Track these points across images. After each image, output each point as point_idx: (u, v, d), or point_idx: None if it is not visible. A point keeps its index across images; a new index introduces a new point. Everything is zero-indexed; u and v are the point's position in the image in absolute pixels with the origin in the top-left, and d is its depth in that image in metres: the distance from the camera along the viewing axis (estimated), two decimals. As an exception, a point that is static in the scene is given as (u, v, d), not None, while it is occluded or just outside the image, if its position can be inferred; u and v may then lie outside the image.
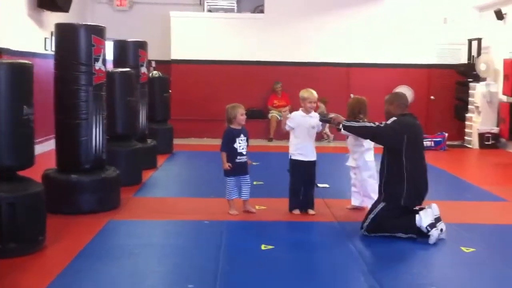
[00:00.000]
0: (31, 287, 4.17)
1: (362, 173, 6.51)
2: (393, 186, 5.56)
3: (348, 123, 5.83)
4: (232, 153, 6.21)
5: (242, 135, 6.25)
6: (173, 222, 6.09)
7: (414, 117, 5.81)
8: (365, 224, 5.60)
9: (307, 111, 6.38)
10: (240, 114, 6.21)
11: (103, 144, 6.39)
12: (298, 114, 6.42)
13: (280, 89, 13.61)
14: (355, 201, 6.64)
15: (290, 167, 6.43)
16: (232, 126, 6.25)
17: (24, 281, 4.30)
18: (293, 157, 6.40)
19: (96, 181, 6.24)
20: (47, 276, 4.35)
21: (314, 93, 6.40)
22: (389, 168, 5.61)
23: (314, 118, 6.35)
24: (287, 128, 6.42)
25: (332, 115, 6.07)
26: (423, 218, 5.41)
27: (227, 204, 6.35)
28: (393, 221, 5.51)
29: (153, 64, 13.28)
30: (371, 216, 5.59)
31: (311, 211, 6.40)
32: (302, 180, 6.39)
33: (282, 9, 13.79)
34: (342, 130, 5.87)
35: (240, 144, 6.22)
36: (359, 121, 5.97)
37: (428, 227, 5.38)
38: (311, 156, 6.39)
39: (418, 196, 5.61)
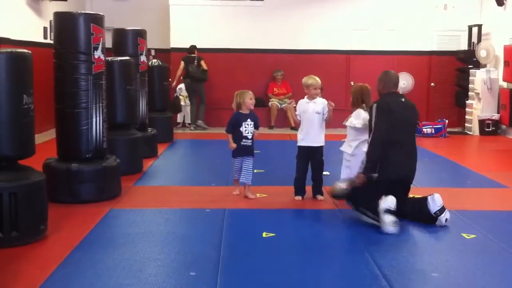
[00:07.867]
0: (33, 276, 4.17)
1: (358, 161, 6.47)
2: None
3: (363, 167, 5.65)
4: (238, 136, 6.40)
5: (249, 120, 6.44)
6: (174, 211, 6.10)
7: (400, 96, 5.83)
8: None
9: (312, 97, 6.44)
10: (249, 99, 6.43)
11: (104, 133, 6.38)
12: (303, 102, 6.53)
13: (280, 77, 13.57)
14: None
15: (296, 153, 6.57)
16: (241, 111, 6.45)
17: (26, 270, 4.31)
18: (297, 144, 6.54)
19: (96, 170, 6.24)
20: (48, 265, 4.37)
21: (318, 79, 6.47)
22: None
23: (318, 104, 6.40)
24: (298, 118, 6.63)
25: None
26: (431, 204, 5.48)
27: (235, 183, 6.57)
28: (370, 195, 5.47)
29: (153, 52, 13.25)
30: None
31: (319, 197, 6.46)
32: (305, 167, 6.48)
33: (281, -4, 13.73)
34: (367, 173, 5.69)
35: (246, 129, 6.41)
36: (362, 162, 5.75)
37: (437, 212, 5.47)
38: (315, 142, 6.42)
39: (405, 165, 5.60)
